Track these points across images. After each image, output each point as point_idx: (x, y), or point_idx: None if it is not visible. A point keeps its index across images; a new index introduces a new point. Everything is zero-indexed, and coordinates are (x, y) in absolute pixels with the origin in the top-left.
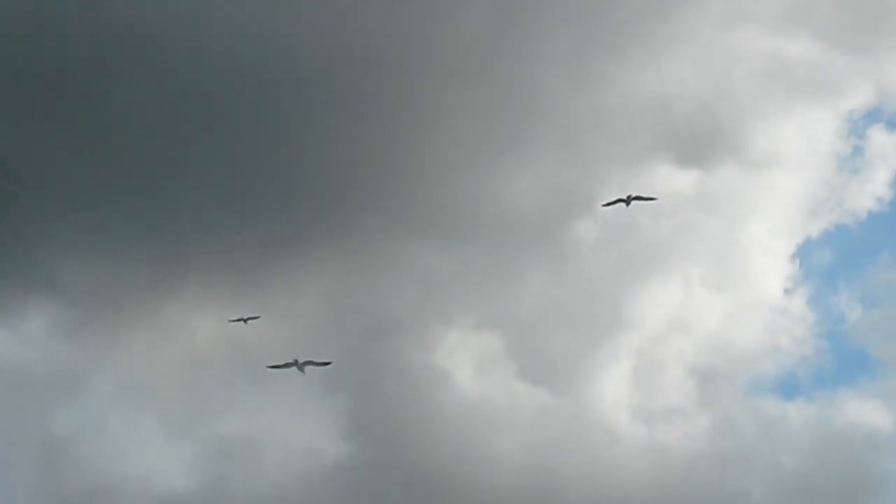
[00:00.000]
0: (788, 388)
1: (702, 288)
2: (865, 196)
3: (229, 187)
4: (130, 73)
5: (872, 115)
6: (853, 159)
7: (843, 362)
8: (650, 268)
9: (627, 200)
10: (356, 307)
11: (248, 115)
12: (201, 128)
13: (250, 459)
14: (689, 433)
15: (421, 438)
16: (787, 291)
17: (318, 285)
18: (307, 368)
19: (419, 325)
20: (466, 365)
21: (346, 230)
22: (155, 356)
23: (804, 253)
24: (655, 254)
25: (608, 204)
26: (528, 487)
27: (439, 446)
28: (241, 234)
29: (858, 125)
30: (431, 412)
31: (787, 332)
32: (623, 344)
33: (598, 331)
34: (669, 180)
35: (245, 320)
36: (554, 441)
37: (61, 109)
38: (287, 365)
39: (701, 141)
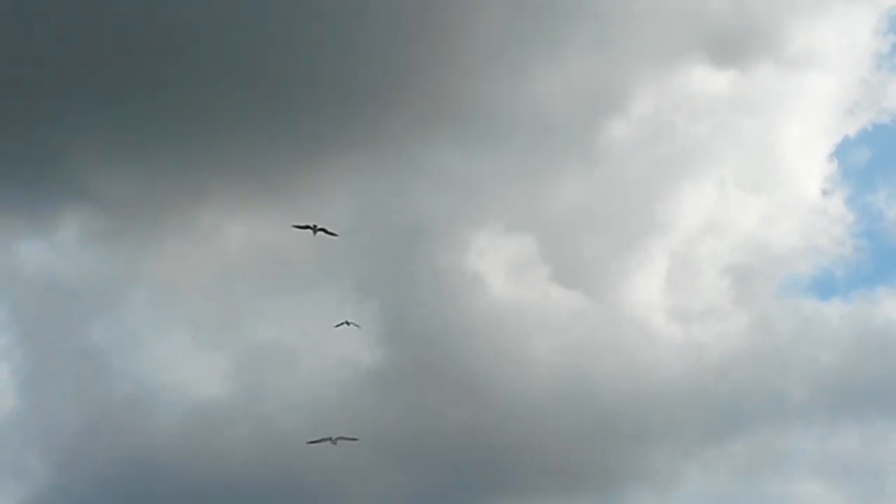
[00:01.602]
0: (826, 287)
1: (737, 189)
2: None
3: (259, 92)
4: None
5: None
6: (891, 57)
7: (880, 261)
8: (685, 169)
9: (314, 229)
10: (387, 211)
11: (277, 19)
12: (231, 33)
13: (285, 367)
14: (725, 333)
15: (454, 343)
16: (824, 192)
17: (348, 190)
18: (339, 442)
19: (451, 228)
20: (499, 268)
21: (376, 133)
22: (188, 264)
23: (842, 152)
24: (690, 155)
25: (297, 227)
26: (564, 389)
27: (473, 350)
28: (271, 139)
29: None
30: (465, 316)
31: (824, 232)
32: (658, 245)
33: (632, 233)
34: (704, 80)
35: (349, 323)
36: (589, 343)
37: (92, 16)
38: (323, 440)
39: (736, 40)
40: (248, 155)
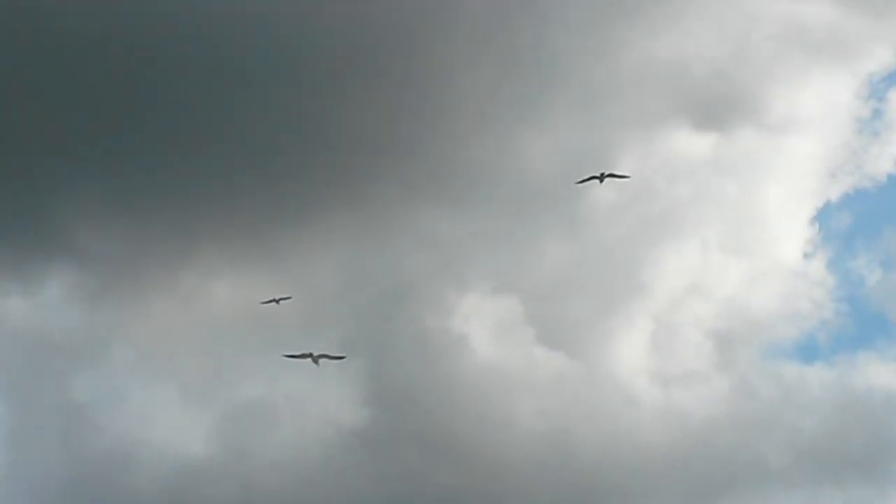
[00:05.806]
0: (808, 352)
1: (719, 252)
2: (885, 159)
3: (245, 153)
4: (150, 46)
5: (893, 78)
6: (873, 122)
7: (862, 326)
8: (667, 232)
9: (601, 178)
10: (371, 272)
11: (262, 81)
12: (217, 96)
13: (268, 426)
14: (707, 397)
15: (439, 404)
16: (806, 255)
17: (333, 251)
18: (321, 361)
19: (435, 290)
20: (484, 330)
21: (361, 195)
22: (172, 322)
23: (823, 217)
24: (672, 218)
25: (582, 181)
26: (545, 452)
27: (457, 412)
28: (256, 199)
29: (878, 88)
30: (449, 378)
31: (806, 296)
32: (640, 308)
33: (615, 295)
34: (686, 144)
35: (277, 301)
36: (571, 406)
37: (81, 77)
38: (303, 356)
39: (718, 104)
40: (232, 215)
